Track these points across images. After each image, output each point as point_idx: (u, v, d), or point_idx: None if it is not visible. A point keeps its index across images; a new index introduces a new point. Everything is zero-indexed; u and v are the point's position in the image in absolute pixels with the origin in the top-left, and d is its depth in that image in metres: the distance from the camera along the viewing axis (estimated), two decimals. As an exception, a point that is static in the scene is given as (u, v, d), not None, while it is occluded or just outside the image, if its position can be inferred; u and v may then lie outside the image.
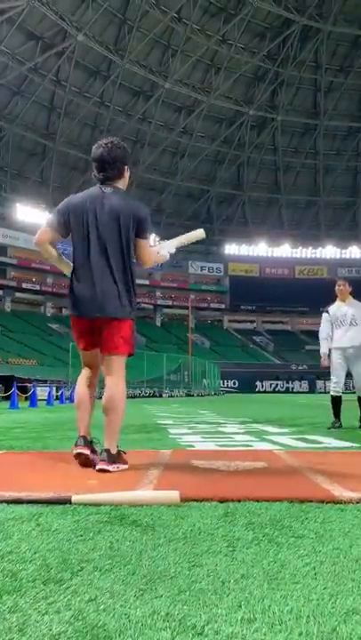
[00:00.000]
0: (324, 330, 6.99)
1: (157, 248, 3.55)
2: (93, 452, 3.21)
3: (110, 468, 3.04)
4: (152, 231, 3.41)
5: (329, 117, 60.18)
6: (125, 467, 3.13)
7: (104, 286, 3.17)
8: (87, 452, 3.17)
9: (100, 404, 3.27)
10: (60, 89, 50.12)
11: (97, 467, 3.06)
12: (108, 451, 3.11)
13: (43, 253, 3.40)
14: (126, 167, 3.41)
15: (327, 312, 7.04)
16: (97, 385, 3.50)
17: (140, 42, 48.81)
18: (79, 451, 3.17)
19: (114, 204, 3.22)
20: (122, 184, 3.38)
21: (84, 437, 3.21)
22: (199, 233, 3.73)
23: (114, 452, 3.12)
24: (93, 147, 3.38)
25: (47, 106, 51.63)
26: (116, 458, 3.12)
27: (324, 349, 6.96)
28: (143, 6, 46.20)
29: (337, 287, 7.05)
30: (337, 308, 6.94)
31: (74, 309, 3.28)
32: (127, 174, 3.43)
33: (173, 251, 3.56)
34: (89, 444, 3.22)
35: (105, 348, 3.22)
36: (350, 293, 7.01)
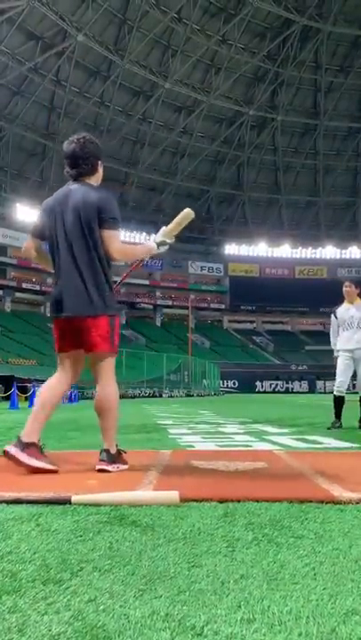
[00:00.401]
0: (332, 334, 7.04)
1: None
2: (40, 453, 3.03)
3: (110, 468, 3.04)
4: (118, 221, 3.16)
5: (329, 117, 60.18)
6: (125, 467, 3.11)
7: (72, 285, 3.14)
8: (12, 448, 3.00)
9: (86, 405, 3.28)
10: (60, 89, 50.11)
11: (97, 467, 3.05)
12: (107, 451, 3.11)
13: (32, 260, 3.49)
14: (100, 162, 3.33)
15: (334, 314, 7.01)
16: (65, 392, 3.43)
17: (140, 42, 48.81)
18: (4, 448, 3.05)
19: (76, 200, 3.17)
20: (95, 180, 3.31)
21: (18, 437, 3.07)
22: (186, 214, 3.43)
23: (113, 451, 3.12)
24: (65, 142, 3.30)
25: (47, 106, 51.62)
26: (115, 458, 3.11)
27: (336, 353, 6.98)
28: (143, 6, 46.20)
29: (344, 288, 6.99)
30: (344, 311, 6.90)
31: (50, 310, 3.31)
32: (101, 169, 3.35)
33: (160, 240, 3.36)
34: (20, 443, 3.04)
35: (85, 347, 3.19)
36: (358, 295, 6.96)
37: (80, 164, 3.25)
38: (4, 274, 52.57)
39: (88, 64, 49.86)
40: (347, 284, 7.03)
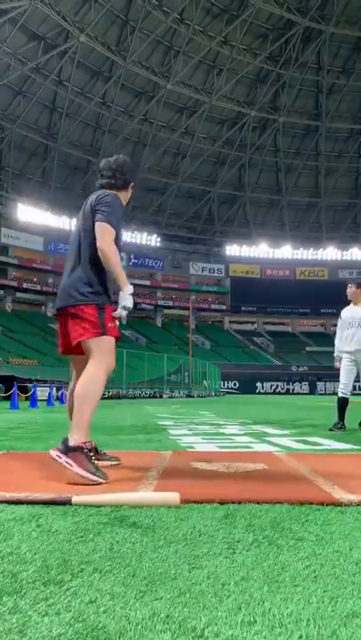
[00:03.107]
0: (336, 334, 7.07)
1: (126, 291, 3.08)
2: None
3: (54, 454, 2.81)
4: (108, 214, 3.07)
5: (331, 119, 60.17)
6: (75, 469, 2.73)
7: (63, 280, 3.19)
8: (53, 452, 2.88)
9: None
10: (62, 89, 50.14)
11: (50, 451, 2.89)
12: (65, 440, 2.86)
13: None
14: (127, 182, 3.38)
15: (340, 315, 7.09)
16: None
17: (143, 43, 48.82)
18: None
19: (86, 203, 3.29)
20: (119, 193, 3.33)
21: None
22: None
23: (71, 444, 2.82)
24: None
25: (49, 106, 51.65)
26: (69, 451, 2.80)
27: (335, 352, 7.00)
28: (145, 7, 46.22)
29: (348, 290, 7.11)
30: (348, 311, 6.97)
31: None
32: (128, 191, 3.41)
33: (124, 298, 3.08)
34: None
35: (71, 338, 3.08)
36: None
37: (103, 176, 3.36)
38: (5, 274, 52.58)
39: (90, 64, 49.88)
40: (349, 285, 7.11)
